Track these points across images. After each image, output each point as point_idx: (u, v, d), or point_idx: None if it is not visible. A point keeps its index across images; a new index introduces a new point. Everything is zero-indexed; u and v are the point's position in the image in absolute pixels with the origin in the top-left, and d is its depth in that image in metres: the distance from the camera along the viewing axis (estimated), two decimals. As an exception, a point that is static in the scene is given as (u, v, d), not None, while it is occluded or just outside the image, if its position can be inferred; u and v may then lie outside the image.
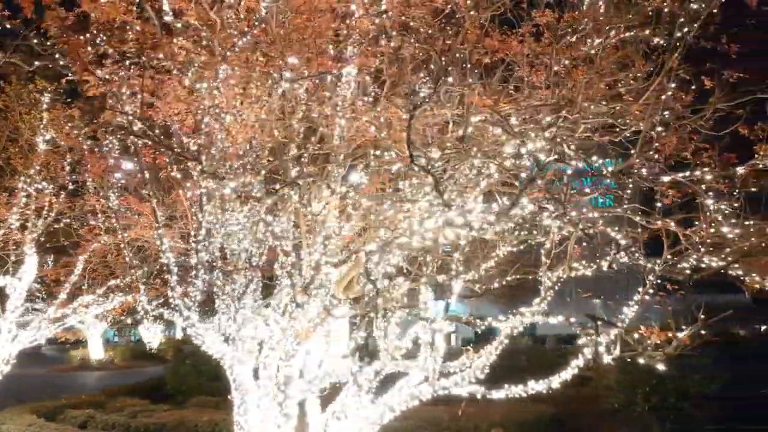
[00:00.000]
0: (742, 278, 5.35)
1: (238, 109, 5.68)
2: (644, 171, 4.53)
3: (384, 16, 5.16)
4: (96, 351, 32.17)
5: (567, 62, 5.47)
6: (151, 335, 35.33)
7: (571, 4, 6.42)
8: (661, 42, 6.84)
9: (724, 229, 5.11)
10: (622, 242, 5.66)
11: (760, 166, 4.38)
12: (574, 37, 6.78)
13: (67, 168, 10.60)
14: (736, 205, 4.88)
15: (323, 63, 5.49)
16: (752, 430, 10.60)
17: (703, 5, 6.59)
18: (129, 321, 26.93)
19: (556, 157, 4.41)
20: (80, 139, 8.64)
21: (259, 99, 5.64)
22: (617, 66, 6.66)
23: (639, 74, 6.90)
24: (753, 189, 4.59)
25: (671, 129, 5.08)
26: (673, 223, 5.43)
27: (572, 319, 5.81)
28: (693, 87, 5.99)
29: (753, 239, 5.03)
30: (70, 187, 11.08)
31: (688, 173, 4.46)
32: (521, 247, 7.77)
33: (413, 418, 10.82)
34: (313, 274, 6.26)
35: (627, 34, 6.88)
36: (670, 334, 5.47)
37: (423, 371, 6.72)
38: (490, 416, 10.51)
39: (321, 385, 7.00)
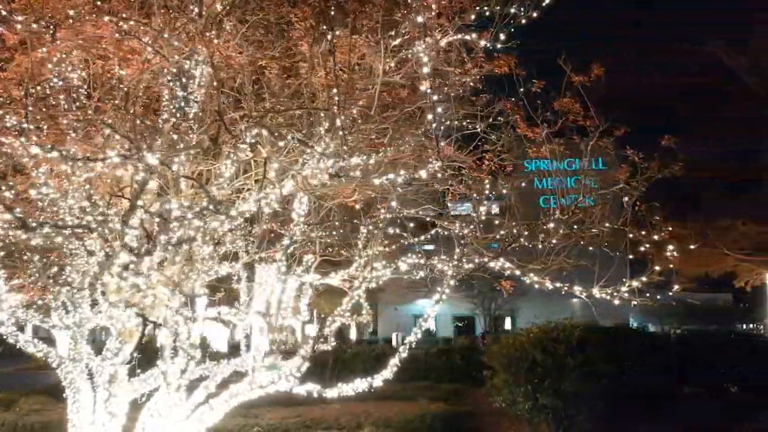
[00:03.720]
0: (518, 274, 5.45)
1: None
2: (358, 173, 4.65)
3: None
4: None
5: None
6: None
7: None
8: (489, 45, 6.97)
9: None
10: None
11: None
12: (398, 39, 6.88)
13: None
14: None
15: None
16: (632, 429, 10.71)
17: (522, 9, 6.75)
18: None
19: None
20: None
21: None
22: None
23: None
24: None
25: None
26: (457, 224, 5.54)
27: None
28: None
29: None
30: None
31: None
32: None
33: (303, 416, 10.95)
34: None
35: (455, 37, 6.98)
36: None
37: (241, 368, 6.85)
38: (375, 414, 10.60)
39: (155, 384, 7.08)
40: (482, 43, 6.85)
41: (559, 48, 6.98)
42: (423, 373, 18.94)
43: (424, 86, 4.41)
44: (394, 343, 26.23)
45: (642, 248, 5.03)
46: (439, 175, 4.74)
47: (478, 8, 6.71)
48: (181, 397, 6.51)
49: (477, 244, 5.60)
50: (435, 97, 4.14)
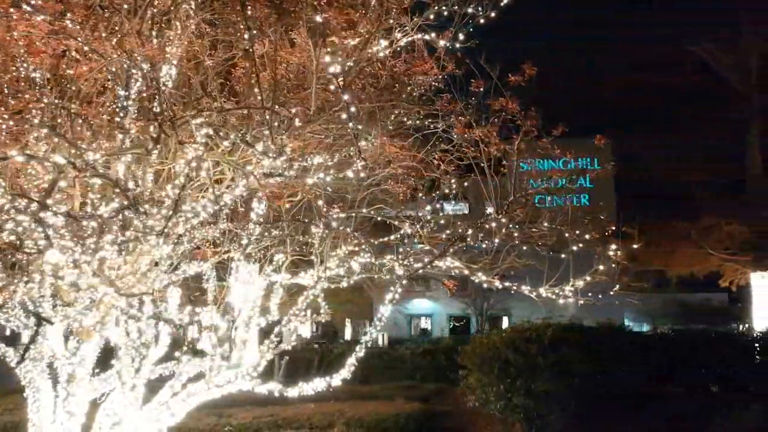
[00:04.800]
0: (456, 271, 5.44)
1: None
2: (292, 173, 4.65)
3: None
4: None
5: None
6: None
7: None
8: (448, 45, 6.98)
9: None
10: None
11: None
12: (356, 39, 6.88)
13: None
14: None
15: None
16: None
17: (480, 9, 6.76)
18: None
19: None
20: None
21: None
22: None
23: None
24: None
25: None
26: (407, 225, 5.54)
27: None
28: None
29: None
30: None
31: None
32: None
33: (276, 415, 10.95)
34: (77, 272, 6.34)
35: (415, 37, 6.99)
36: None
37: (199, 368, 6.85)
38: (348, 414, 10.60)
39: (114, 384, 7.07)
40: (441, 42, 6.89)
41: (534, 48, 7.00)
42: (408, 373, 19.02)
43: (333, 86, 4.40)
44: (380, 342, 26.24)
45: (574, 248, 5.04)
46: (362, 174, 4.74)
47: (437, 8, 6.75)
48: (137, 397, 6.51)
49: (428, 244, 5.60)
50: (346, 97, 4.13)
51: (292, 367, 18.65)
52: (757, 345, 15.49)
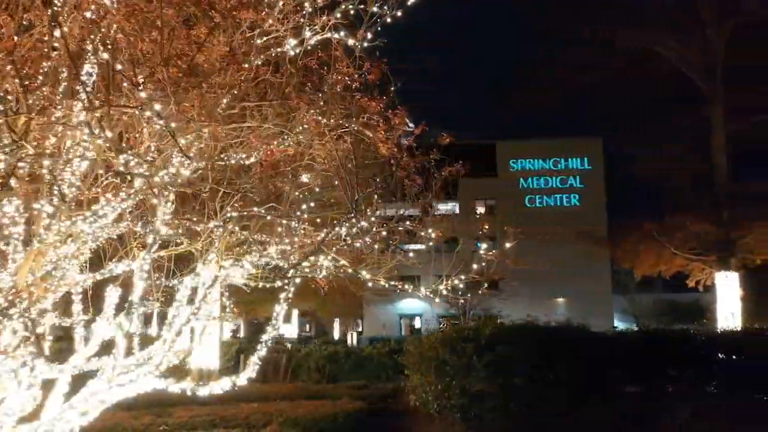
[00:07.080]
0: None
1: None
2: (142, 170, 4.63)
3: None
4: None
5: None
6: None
7: None
8: (357, 44, 6.99)
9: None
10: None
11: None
12: (264, 38, 6.86)
13: None
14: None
15: None
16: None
17: (386, 8, 6.77)
18: None
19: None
20: None
21: None
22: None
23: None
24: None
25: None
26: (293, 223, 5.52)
27: None
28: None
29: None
30: None
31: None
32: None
33: (213, 414, 10.90)
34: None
35: (326, 35, 7.00)
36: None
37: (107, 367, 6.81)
38: (287, 413, 10.56)
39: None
40: (350, 41, 6.90)
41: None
42: (375, 372, 19.08)
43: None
44: (348, 343, 26.24)
45: (424, 246, 5.04)
46: (187, 172, 4.69)
47: (344, 6, 6.77)
48: (35, 396, 6.48)
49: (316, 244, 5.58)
50: (143, 95, 4.10)
51: (259, 367, 18.65)
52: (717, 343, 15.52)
